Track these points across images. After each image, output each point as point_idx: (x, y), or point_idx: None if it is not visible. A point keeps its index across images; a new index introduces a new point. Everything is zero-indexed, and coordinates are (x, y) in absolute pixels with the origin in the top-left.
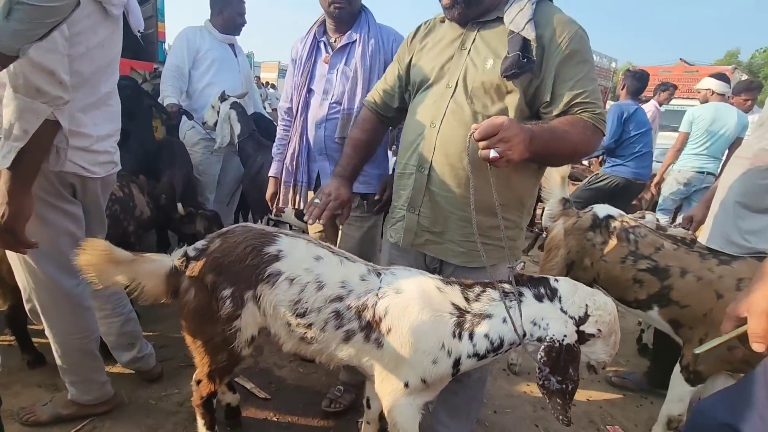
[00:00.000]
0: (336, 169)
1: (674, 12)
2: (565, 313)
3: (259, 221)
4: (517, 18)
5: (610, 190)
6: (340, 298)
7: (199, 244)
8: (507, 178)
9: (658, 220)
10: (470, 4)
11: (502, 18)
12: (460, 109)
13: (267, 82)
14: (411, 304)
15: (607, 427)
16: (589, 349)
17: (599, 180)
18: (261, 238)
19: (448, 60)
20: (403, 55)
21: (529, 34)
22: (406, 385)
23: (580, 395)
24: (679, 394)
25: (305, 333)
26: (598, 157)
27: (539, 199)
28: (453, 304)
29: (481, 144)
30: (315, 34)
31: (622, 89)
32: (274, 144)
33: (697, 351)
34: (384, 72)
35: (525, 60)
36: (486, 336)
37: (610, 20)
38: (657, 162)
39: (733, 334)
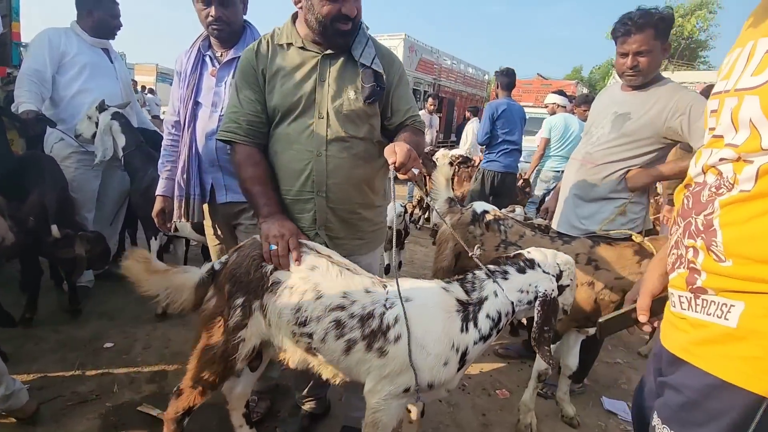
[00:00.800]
0: (263, 210)
1: (533, 33)
2: (547, 274)
3: (153, 239)
4: (364, 54)
5: (491, 183)
6: (341, 308)
7: (224, 257)
8: (372, 180)
9: (525, 213)
10: (349, 37)
11: (349, 52)
12: (339, 136)
13: (144, 87)
14: (424, 310)
15: (496, 391)
16: (562, 298)
17: (480, 176)
18: (261, 250)
19: (311, 92)
20: (251, 80)
21: (379, 67)
22: (407, 390)
23: (474, 368)
24: None
25: (309, 343)
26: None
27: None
28: (458, 300)
29: (402, 169)
30: (200, 47)
31: (496, 87)
32: (160, 160)
33: (601, 320)
34: None
35: (379, 88)
36: (488, 316)
37: (481, 38)
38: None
39: (627, 308)
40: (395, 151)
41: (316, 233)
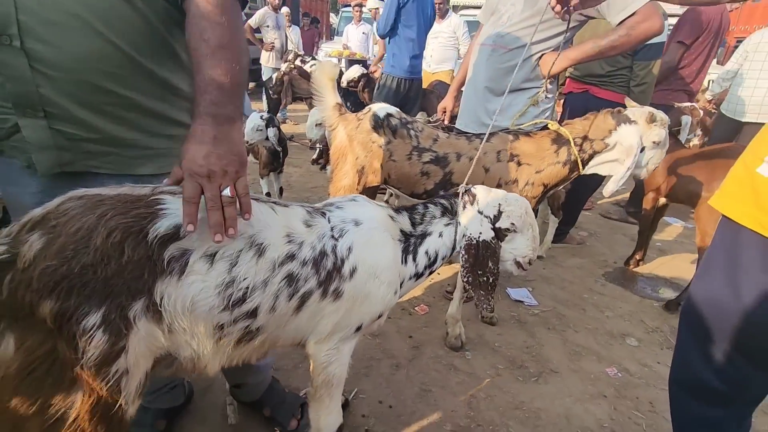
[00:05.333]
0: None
1: None
2: (481, 213)
3: None
4: None
5: (396, 91)
6: (291, 257)
7: None
8: (133, 25)
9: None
10: None
11: None
12: None
13: None
14: (374, 235)
15: (415, 308)
16: (511, 246)
17: (384, 83)
18: (134, 210)
19: None
20: None
21: None
22: (359, 328)
23: None
24: None
25: (248, 326)
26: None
27: None
28: (401, 231)
29: None
30: None
31: None
32: None
33: None
34: None
35: None
36: (426, 253)
37: None
38: None
39: None
40: None
41: (16, 123)
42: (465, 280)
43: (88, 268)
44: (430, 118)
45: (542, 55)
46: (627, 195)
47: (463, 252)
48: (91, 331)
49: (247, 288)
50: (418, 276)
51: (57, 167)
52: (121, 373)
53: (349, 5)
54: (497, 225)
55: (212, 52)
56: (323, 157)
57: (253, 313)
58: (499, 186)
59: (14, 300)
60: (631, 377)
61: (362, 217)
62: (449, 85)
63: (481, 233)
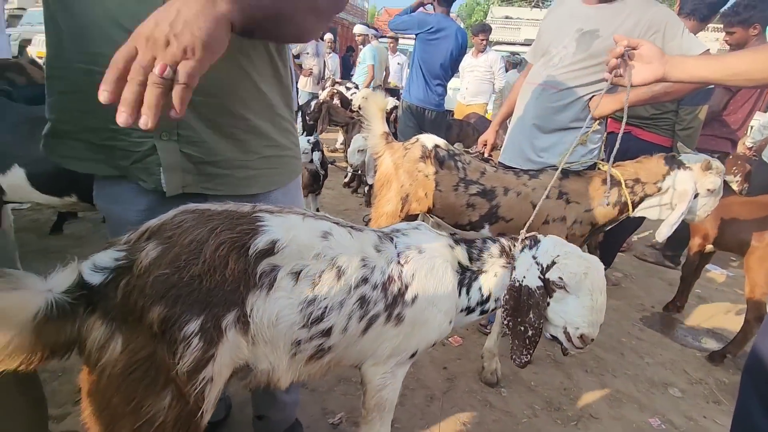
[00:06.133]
0: None
1: None
2: (534, 259)
3: None
4: None
5: (417, 119)
6: (365, 280)
7: (108, 257)
8: (260, 61)
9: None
10: None
11: None
12: None
13: None
14: (436, 264)
15: (449, 339)
16: (561, 308)
17: (401, 109)
18: (239, 226)
19: None
20: None
21: None
22: (414, 354)
23: None
24: None
25: (321, 344)
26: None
27: None
28: (459, 262)
29: None
30: None
31: (432, 1)
32: None
33: None
34: None
35: None
36: (479, 289)
37: None
38: None
39: None
40: None
41: (152, 145)
42: (504, 323)
43: (196, 277)
44: (468, 150)
45: (592, 96)
46: None
47: (506, 293)
48: (190, 338)
49: (326, 308)
50: (469, 311)
51: (180, 188)
52: (207, 381)
53: (385, 36)
54: (546, 276)
55: None
56: (354, 181)
57: (327, 332)
58: (546, 222)
59: (127, 303)
60: (676, 430)
61: (425, 245)
62: (485, 117)
63: (525, 277)
